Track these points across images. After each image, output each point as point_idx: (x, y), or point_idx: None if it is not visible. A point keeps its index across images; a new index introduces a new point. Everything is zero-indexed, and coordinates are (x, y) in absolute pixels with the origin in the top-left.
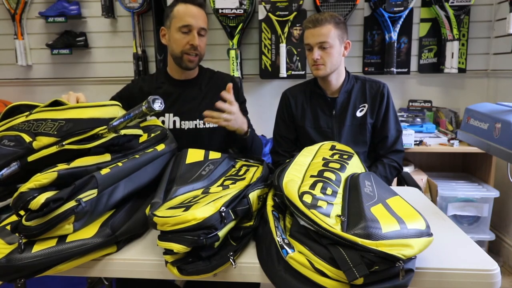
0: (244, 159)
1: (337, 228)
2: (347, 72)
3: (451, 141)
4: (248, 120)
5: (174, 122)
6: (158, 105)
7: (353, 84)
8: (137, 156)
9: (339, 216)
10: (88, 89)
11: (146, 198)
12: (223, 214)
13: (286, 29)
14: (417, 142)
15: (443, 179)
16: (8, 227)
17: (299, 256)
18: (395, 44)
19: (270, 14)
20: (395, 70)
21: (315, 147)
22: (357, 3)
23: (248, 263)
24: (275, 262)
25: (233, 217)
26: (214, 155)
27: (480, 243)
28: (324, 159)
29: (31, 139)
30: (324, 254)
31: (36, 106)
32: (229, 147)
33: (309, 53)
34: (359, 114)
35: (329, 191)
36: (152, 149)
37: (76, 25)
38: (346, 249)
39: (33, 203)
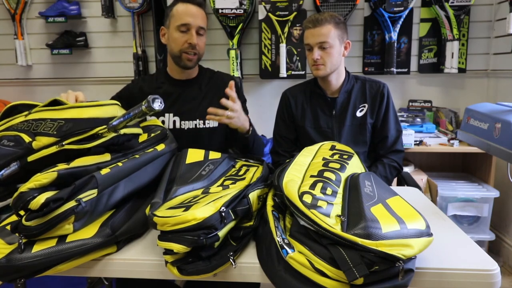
0: (244, 159)
1: (337, 228)
2: (347, 72)
3: (451, 141)
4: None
5: (174, 122)
6: (157, 105)
7: (353, 84)
8: (137, 156)
9: (339, 216)
10: (88, 89)
11: (146, 198)
12: (223, 214)
13: (286, 29)
14: (417, 142)
15: (443, 179)
16: (8, 227)
17: (299, 256)
18: (395, 44)
19: (270, 14)
20: (395, 70)
21: (315, 147)
22: (357, 3)
23: (248, 263)
24: (275, 262)
25: (233, 217)
26: (214, 155)
27: (480, 243)
28: (324, 159)
29: (30, 139)
30: (324, 254)
31: (35, 106)
32: (230, 147)
33: (309, 53)
34: (359, 114)
35: (329, 191)
36: (152, 149)
37: (76, 25)
38: (346, 249)
39: (33, 203)
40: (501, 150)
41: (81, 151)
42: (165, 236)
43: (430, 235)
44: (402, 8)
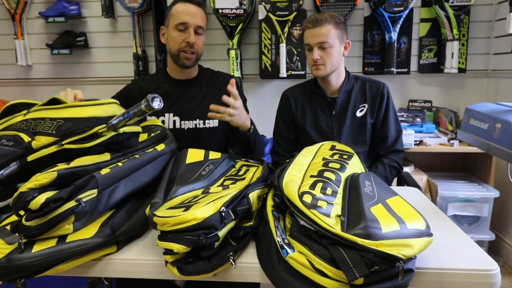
0: (244, 159)
1: (337, 228)
2: (347, 72)
3: (451, 141)
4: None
5: (174, 122)
6: (157, 104)
7: (353, 84)
8: (137, 156)
9: (339, 216)
10: (88, 89)
11: (146, 198)
12: (223, 214)
13: (286, 29)
14: (417, 142)
15: (443, 179)
16: (8, 227)
17: (299, 256)
18: (395, 44)
19: (270, 14)
20: (395, 70)
21: (315, 147)
22: (357, 3)
23: (248, 263)
24: (275, 262)
25: (233, 217)
26: (214, 155)
27: (480, 243)
28: (324, 159)
29: (30, 139)
30: (324, 254)
31: (33, 105)
32: (230, 147)
33: (309, 53)
34: (359, 114)
35: (329, 191)
36: (152, 149)
37: (76, 25)
38: (346, 249)
39: (33, 203)
40: (501, 150)
41: (81, 150)
42: (165, 236)
43: (430, 235)
44: (402, 8)
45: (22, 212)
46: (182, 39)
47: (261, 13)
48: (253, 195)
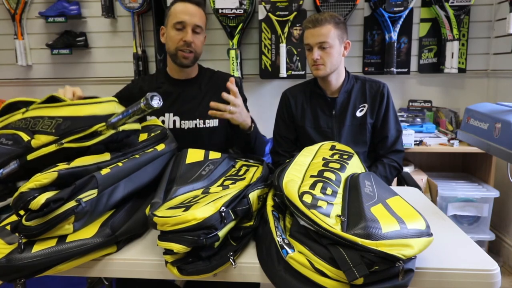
0: (244, 159)
1: (337, 228)
2: (347, 72)
3: (451, 141)
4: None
5: (174, 121)
6: (156, 102)
7: (353, 84)
8: (137, 156)
9: (339, 216)
10: (88, 89)
11: (146, 198)
12: (223, 214)
13: (286, 29)
14: (417, 142)
15: (443, 179)
16: (8, 227)
17: (299, 256)
18: (395, 44)
19: (270, 14)
20: (395, 70)
21: (315, 147)
22: (357, 3)
23: (248, 263)
24: (275, 262)
25: (233, 217)
26: (214, 155)
27: (480, 243)
28: (324, 159)
29: (29, 138)
30: (324, 254)
31: (32, 102)
32: (230, 147)
33: (309, 53)
34: (359, 114)
35: (329, 191)
36: (152, 149)
37: (76, 25)
38: (346, 249)
39: (34, 203)
40: (501, 150)
41: (81, 149)
42: (165, 236)
43: (430, 235)
44: (402, 8)
45: (22, 212)
46: (180, 38)
47: (261, 13)
48: (253, 195)
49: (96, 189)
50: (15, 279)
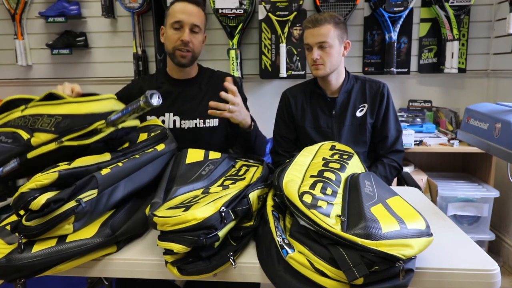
0: (244, 159)
1: (337, 228)
2: (347, 72)
3: (451, 141)
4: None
5: (174, 121)
6: (155, 100)
7: (353, 84)
8: (137, 156)
9: (339, 216)
10: (88, 89)
11: (146, 198)
12: (223, 214)
13: (286, 29)
14: (417, 142)
15: (443, 179)
16: (8, 227)
17: (299, 256)
18: (395, 44)
19: (270, 14)
20: (395, 70)
21: (315, 147)
22: (357, 3)
23: (248, 263)
24: (275, 262)
25: (233, 217)
26: (214, 155)
27: (480, 243)
28: (324, 159)
29: (29, 136)
30: (324, 254)
31: (31, 100)
32: (230, 147)
33: (308, 53)
34: (359, 114)
35: (329, 191)
36: (152, 149)
37: (76, 25)
38: (346, 249)
39: (34, 203)
40: (501, 150)
41: (81, 146)
42: (165, 236)
43: (430, 235)
44: (402, 8)
45: (22, 212)
46: (177, 38)
47: (261, 13)
48: (253, 195)
49: (96, 189)
50: (15, 279)
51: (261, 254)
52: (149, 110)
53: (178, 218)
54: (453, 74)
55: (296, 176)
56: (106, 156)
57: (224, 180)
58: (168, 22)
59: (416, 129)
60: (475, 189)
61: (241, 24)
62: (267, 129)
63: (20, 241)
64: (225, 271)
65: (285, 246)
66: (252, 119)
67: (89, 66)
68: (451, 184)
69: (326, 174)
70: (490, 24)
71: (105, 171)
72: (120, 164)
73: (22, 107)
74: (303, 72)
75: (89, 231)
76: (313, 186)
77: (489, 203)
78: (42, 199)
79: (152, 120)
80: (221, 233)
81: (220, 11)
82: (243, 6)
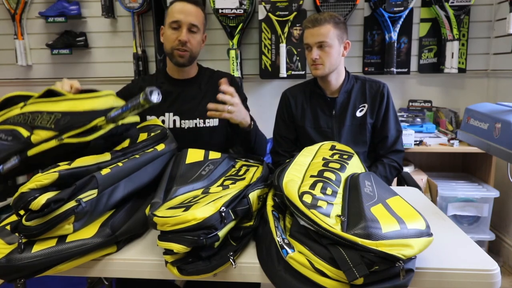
0: (244, 159)
1: (337, 228)
2: (347, 72)
3: (451, 141)
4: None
5: (174, 121)
6: (155, 97)
7: (353, 84)
8: (137, 156)
9: (339, 216)
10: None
11: (146, 198)
12: (223, 214)
13: (286, 29)
14: (417, 142)
15: (443, 179)
16: (8, 227)
17: (299, 256)
18: (395, 44)
19: (270, 14)
20: (395, 70)
21: (315, 147)
22: (357, 3)
23: (248, 263)
24: (275, 262)
25: (233, 217)
26: (214, 155)
27: (480, 243)
28: (324, 159)
29: (28, 133)
30: (324, 254)
31: (30, 97)
32: (230, 147)
33: (308, 53)
34: (359, 114)
35: (329, 191)
36: (152, 149)
37: (76, 25)
38: (346, 249)
39: (34, 203)
40: (501, 150)
41: (81, 144)
42: (165, 236)
43: (430, 235)
44: (402, 8)
45: (22, 212)
46: (175, 37)
47: (261, 13)
48: (253, 195)
49: (96, 189)
50: (15, 279)
51: (261, 254)
52: (149, 107)
53: (178, 218)
54: (453, 74)
55: (296, 176)
56: (106, 156)
57: (224, 180)
58: (166, 22)
59: (416, 129)
60: (475, 189)
61: (241, 24)
62: (267, 129)
63: (20, 241)
64: (225, 271)
65: (285, 246)
66: (252, 119)
67: (89, 66)
68: (451, 184)
69: (326, 174)
70: (490, 24)
71: (105, 171)
72: (120, 164)
73: (21, 104)
74: (303, 72)
75: (89, 231)
76: (313, 186)
77: (489, 203)
78: (42, 199)
79: (152, 120)
80: (221, 233)
81: (220, 11)
82: (243, 6)
